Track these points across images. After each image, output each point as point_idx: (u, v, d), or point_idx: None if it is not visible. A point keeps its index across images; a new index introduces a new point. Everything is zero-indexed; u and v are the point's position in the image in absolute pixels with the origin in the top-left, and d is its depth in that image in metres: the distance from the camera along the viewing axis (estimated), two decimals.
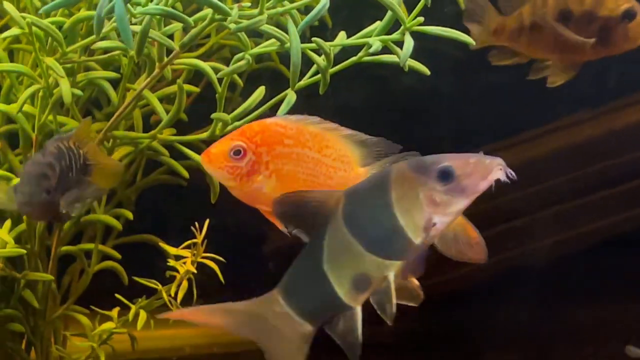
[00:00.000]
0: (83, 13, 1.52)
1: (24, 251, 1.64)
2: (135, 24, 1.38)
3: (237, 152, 1.33)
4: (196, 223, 1.64)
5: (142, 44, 1.37)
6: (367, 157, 1.34)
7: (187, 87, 1.67)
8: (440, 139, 2.23)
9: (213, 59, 1.79)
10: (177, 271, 1.67)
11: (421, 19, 1.37)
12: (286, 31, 1.39)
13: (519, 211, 2.34)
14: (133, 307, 1.73)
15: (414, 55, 1.39)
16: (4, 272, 1.68)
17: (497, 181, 1.14)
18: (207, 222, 1.63)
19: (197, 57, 1.66)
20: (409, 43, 1.35)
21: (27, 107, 1.62)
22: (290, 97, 1.40)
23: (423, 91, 2.09)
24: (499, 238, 2.32)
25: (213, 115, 1.51)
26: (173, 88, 1.64)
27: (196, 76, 1.79)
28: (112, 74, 1.61)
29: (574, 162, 2.34)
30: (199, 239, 1.65)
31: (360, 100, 2.19)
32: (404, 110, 2.23)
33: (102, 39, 1.52)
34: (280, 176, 1.34)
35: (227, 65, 1.55)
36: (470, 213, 2.26)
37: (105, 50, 1.60)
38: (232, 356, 2.38)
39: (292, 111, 1.44)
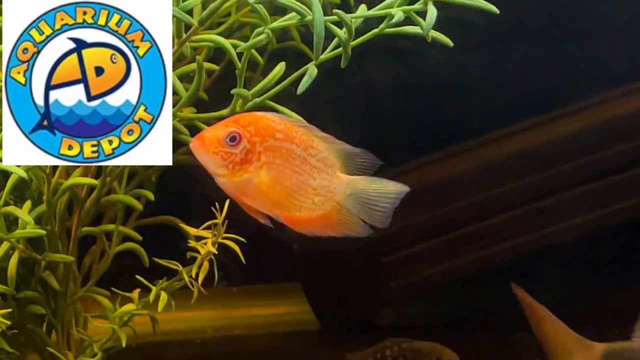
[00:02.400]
0: None
1: (44, 232, 1.66)
2: None
3: (232, 139, 1.35)
4: (216, 204, 1.65)
5: None
6: (349, 166, 1.38)
7: (206, 65, 1.68)
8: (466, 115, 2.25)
9: (234, 38, 1.80)
10: (198, 252, 1.68)
11: None
12: (305, 4, 1.40)
13: (548, 189, 2.34)
14: (154, 289, 1.74)
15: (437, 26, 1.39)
16: (25, 254, 1.69)
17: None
18: (227, 202, 1.64)
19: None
20: (432, 13, 1.35)
21: None
22: (312, 70, 1.40)
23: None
24: (527, 217, 2.33)
25: (233, 91, 1.52)
26: (192, 66, 1.65)
27: (217, 55, 1.80)
28: None
29: (605, 140, 2.35)
30: (220, 219, 1.66)
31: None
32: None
33: None
34: (270, 169, 1.36)
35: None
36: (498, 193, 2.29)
37: None
38: (254, 338, 2.41)
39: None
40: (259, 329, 2.44)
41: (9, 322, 1.67)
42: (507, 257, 2.41)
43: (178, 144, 1.84)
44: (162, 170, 1.89)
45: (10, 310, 1.68)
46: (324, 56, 1.46)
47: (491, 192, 2.36)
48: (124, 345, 1.75)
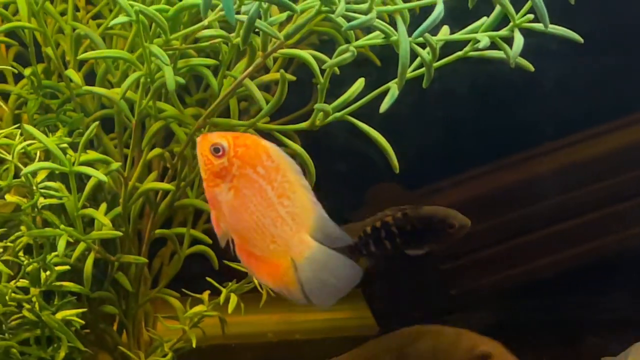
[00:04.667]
0: (187, 1, 1.60)
1: (120, 234, 1.74)
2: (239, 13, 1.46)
3: (216, 150, 1.37)
4: None
5: (249, 32, 1.44)
6: (318, 234, 1.36)
7: (276, 75, 1.75)
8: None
9: (301, 46, 1.87)
10: None
11: (531, 16, 1.43)
12: (389, 23, 1.46)
13: (615, 197, 2.39)
14: (224, 291, 1.82)
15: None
16: (99, 255, 1.78)
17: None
18: None
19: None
20: (519, 40, 1.41)
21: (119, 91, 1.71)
22: (394, 90, 1.47)
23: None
24: (592, 226, 2.38)
25: (316, 106, 1.59)
26: (268, 76, 1.74)
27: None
28: (212, 61, 1.69)
29: None
30: None
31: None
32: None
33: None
34: (236, 196, 1.37)
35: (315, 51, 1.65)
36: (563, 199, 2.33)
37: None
38: (313, 343, 2.47)
39: None
40: (318, 334, 2.50)
41: (82, 322, 1.77)
42: (567, 265, 2.46)
43: None
44: None
45: (84, 310, 1.78)
46: (411, 74, 1.52)
47: (555, 199, 2.42)
48: (194, 345, 1.84)
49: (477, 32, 1.46)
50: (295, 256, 1.36)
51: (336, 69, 1.69)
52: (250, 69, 1.62)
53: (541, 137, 2.42)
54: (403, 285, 2.48)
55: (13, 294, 1.72)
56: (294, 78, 1.74)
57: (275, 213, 1.35)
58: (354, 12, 1.43)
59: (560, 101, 2.39)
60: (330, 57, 1.60)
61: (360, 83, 1.62)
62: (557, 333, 2.46)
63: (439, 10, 1.32)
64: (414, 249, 1.97)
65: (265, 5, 1.44)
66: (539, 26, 1.42)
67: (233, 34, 1.62)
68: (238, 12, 1.49)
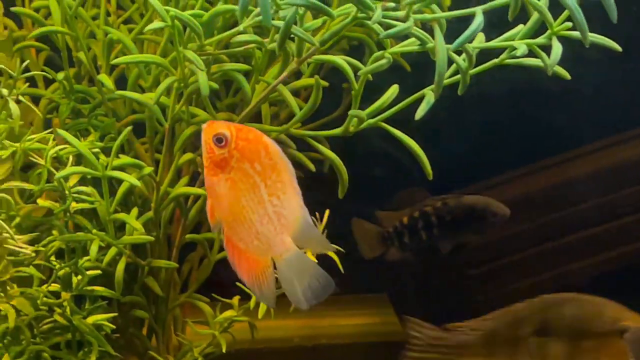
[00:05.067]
0: (221, 7, 1.61)
1: (152, 238, 1.75)
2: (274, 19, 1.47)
3: (219, 140, 1.36)
4: (317, 213, 1.73)
5: (285, 38, 1.45)
6: (302, 236, 1.37)
7: (310, 80, 1.77)
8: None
9: (332, 51, 1.88)
10: None
11: (569, 24, 1.44)
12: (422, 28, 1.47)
13: None
14: (254, 296, 1.82)
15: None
16: (130, 259, 1.79)
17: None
18: (327, 212, 1.73)
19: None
20: (558, 48, 1.42)
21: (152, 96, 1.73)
22: (430, 97, 1.48)
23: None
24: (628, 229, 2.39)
25: (350, 112, 1.60)
26: (301, 82, 1.75)
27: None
28: (245, 67, 1.70)
29: None
30: (320, 228, 1.74)
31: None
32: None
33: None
34: (231, 188, 1.37)
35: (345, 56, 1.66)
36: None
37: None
38: (339, 347, 2.48)
39: None
40: (344, 339, 2.51)
41: (113, 326, 1.78)
42: (594, 272, 2.47)
43: None
44: None
45: (115, 314, 1.79)
46: (447, 81, 1.53)
47: (587, 203, 2.42)
48: (224, 350, 1.85)
49: (513, 40, 1.47)
50: (275, 256, 1.37)
51: (369, 75, 1.70)
52: (285, 74, 1.63)
53: (571, 141, 2.42)
54: (430, 291, 2.49)
55: (45, 298, 1.74)
56: (326, 84, 1.74)
57: (264, 211, 1.36)
58: (390, 19, 1.44)
59: (594, 104, 2.40)
60: (359, 62, 1.62)
61: (394, 89, 1.63)
62: None
63: (479, 20, 1.33)
64: (450, 240, 1.96)
65: (301, 10, 1.45)
66: (577, 34, 1.42)
67: (267, 40, 1.63)
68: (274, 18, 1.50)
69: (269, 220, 1.36)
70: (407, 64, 1.93)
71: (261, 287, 1.39)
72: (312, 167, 1.81)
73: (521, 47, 1.42)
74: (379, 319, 2.55)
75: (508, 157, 2.44)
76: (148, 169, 1.72)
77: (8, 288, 1.70)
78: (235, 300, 1.86)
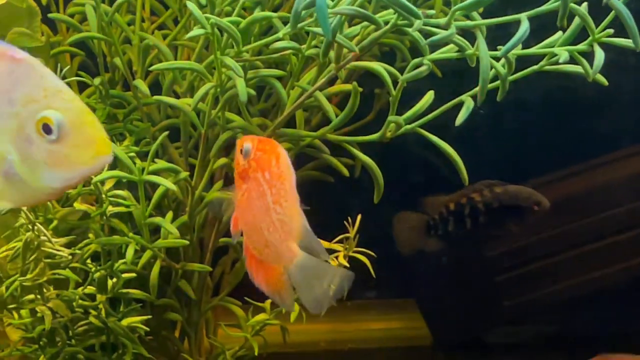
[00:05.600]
0: (259, 14, 1.63)
1: (187, 242, 1.77)
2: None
3: (244, 152, 1.41)
4: (349, 218, 1.76)
5: (329, 46, 1.48)
6: (302, 244, 1.38)
7: (347, 87, 1.79)
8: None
9: (363, 57, 1.90)
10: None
11: (610, 30, 1.46)
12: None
13: None
14: None
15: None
16: (164, 263, 1.81)
17: None
18: (359, 217, 1.75)
19: None
20: (600, 55, 1.43)
21: (189, 102, 1.75)
22: (469, 103, 1.50)
23: None
24: None
25: (389, 118, 1.62)
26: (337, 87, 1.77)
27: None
28: (281, 72, 1.73)
29: None
30: (352, 233, 1.76)
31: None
32: None
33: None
34: (247, 198, 1.41)
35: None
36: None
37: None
38: (366, 352, 2.49)
39: None
40: (371, 343, 2.53)
41: (147, 329, 1.81)
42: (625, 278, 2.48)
43: (308, 159, 1.97)
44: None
45: (149, 317, 1.81)
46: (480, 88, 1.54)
47: (617, 209, 2.44)
48: (256, 353, 1.86)
49: (553, 46, 1.49)
50: (286, 263, 1.38)
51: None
52: (323, 80, 1.65)
53: (608, 145, 2.44)
54: (458, 296, 2.50)
55: (80, 301, 1.76)
56: (360, 89, 1.76)
57: (270, 218, 1.38)
58: (430, 26, 1.46)
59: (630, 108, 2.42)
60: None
61: (430, 95, 1.65)
62: (604, 346, 2.48)
63: (525, 27, 1.35)
64: (496, 228, 1.97)
65: (343, 18, 1.47)
66: (618, 41, 1.44)
67: (304, 46, 1.66)
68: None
69: (274, 228, 1.38)
70: (438, 71, 1.95)
71: (280, 294, 1.42)
72: (345, 172, 1.84)
73: (563, 54, 1.44)
74: (406, 323, 2.57)
75: (537, 163, 2.45)
76: (184, 174, 1.74)
77: (45, 290, 1.72)
78: (267, 303, 1.88)
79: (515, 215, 1.99)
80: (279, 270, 1.40)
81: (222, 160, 1.83)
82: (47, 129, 1.22)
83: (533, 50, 1.51)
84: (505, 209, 1.98)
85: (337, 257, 1.79)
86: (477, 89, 1.51)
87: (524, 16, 1.37)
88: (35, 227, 1.64)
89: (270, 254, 1.39)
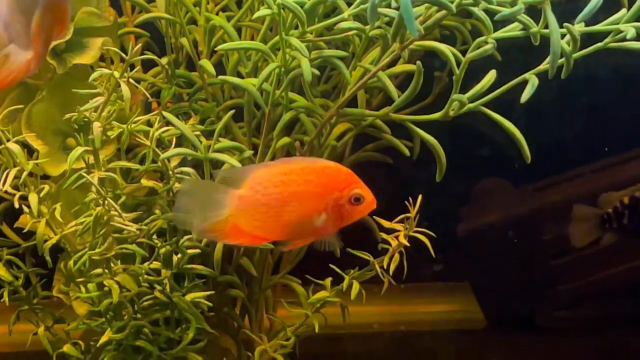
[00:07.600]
0: None
1: None
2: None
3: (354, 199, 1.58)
4: (410, 198, 1.79)
5: (400, 27, 1.52)
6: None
7: (405, 67, 1.83)
8: None
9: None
10: (390, 244, 1.83)
11: None
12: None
13: None
14: (347, 278, 1.89)
15: None
16: None
17: None
18: (420, 197, 1.79)
19: None
20: None
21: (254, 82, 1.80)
22: (534, 80, 1.53)
23: None
24: None
25: (453, 96, 1.66)
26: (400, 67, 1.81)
27: None
28: (344, 53, 1.77)
29: None
30: (412, 213, 1.80)
31: None
32: None
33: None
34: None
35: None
36: None
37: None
38: (419, 335, 2.53)
39: None
40: (424, 326, 2.57)
41: (210, 304, 1.86)
42: None
43: (369, 139, 2.01)
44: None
45: (212, 292, 1.86)
46: (542, 67, 1.58)
47: None
48: (317, 330, 1.91)
49: (618, 23, 1.52)
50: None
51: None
52: (387, 60, 1.70)
53: None
54: (512, 280, 2.53)
55: (146, 276, 1.82)
56: (412, 67, 1.80)
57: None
58: (495, 4, 1.50)
59: None
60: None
61: (492, 74, 1.68)
62: None
63: (595, 1, 1.39)
64: None
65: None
66: None
67: (368, 27, 1.70)
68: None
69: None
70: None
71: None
72: (406, 152, 1.88)
73: (630, 30, 1.47)
74: (460, 307, 2.60)
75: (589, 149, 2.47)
76: (248, 152, 1.79)
77: (112, 265, 1.78)
78: (327, 281, 1.92)
79: None
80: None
81: (285, 140, 1.88)
82: None
83: (598, 27, 1.54)
84: None
85: (397, 237, 1.83)
86: (540, 67, 1.55)
87: None
88: (106, 202, 1.70)
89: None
